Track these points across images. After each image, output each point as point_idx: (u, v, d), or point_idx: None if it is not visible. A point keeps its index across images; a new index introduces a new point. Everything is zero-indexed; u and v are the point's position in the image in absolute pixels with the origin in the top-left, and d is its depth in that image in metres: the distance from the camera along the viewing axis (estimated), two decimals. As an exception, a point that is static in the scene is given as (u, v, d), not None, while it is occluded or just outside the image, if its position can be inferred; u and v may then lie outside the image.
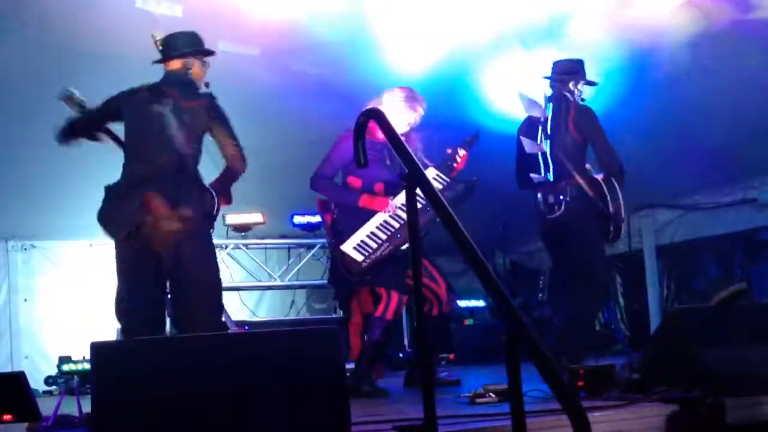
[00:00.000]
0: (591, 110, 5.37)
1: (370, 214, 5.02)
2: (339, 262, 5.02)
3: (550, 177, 5.33)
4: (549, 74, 5.47)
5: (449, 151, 5.14)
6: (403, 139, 4.90)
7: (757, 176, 7.75)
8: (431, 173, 5.03)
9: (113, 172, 4.56)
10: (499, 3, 5.95)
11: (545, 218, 5.35)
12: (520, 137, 5.45)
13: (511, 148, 5.60)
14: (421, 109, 5.11)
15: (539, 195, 5.37)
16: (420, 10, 5.91)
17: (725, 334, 3.69)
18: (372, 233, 4.97)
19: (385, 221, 4.99)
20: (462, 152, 5.12)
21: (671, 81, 6.38)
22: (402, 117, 5.05)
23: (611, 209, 5.15)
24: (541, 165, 5.37)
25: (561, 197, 5.24)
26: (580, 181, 5.18)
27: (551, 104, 5.41)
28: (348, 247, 4.96)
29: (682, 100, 6.52)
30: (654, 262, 8.96)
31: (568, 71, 5.43)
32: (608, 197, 5.16)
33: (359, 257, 4.93)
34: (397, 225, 4.95)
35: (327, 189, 5.17)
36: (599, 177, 5.26)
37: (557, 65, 5.49)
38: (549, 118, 5.37)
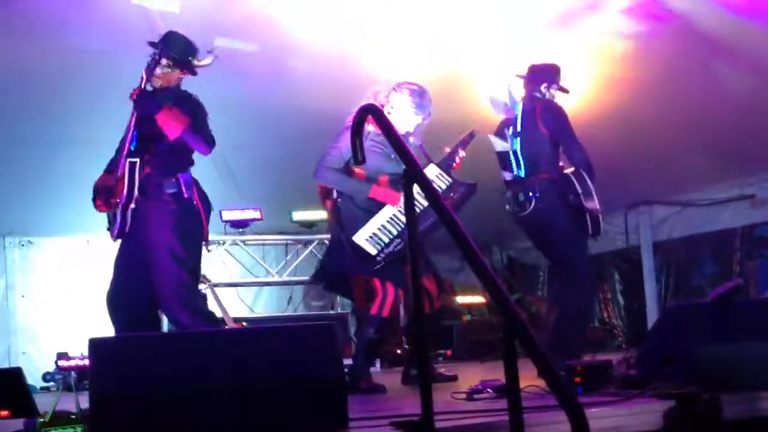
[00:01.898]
0: (558, 107, 5.43)
1: (374, 205, 4.96)
2: (352, 252, 4.92)
3: (522, 174, 5.37)
4: (523, 75, 5.55)
5: (447, 150, 5.12)
6: (402, 135, 5.02)
7: (754, 173, 7.76)
8: (433, 171, 5.02)
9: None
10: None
11: (518, 216, 5.41)
12: (489, 136, 5.54)
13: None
14: (429, 110, 5.11)
15: (509, 193, 5.44)
16: (419, 8, 5.91)
17: (722, 330, 3.69)
18: (383, 226, 4.91)
19: (395, 215, 4.93)
20: (462, 153, 5.13)
21: (667, 78, 6.39)
22: (410, 119, 5.07)
23: (583, 201, 5.16)
24: (513, 163, 5.43)
25: (530, 194, 5.27)
26: (546, 175, 5.24)
27: (520, 104, 5.48)
28: (360, 238, 4.89)
29: (678, 97, 6.53)
30: (651, 259, 8.97)
31: (541, 74, 5.51)
32: (578, 190, 5.17)
33: (373, 250, 4.87)
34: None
35: (333, 180, 5.03)
36: (568, 170, 5.30)
37: (532, 67, 5.55)
38: (519, 116, 5.44)
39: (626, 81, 6.49)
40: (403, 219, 4.89)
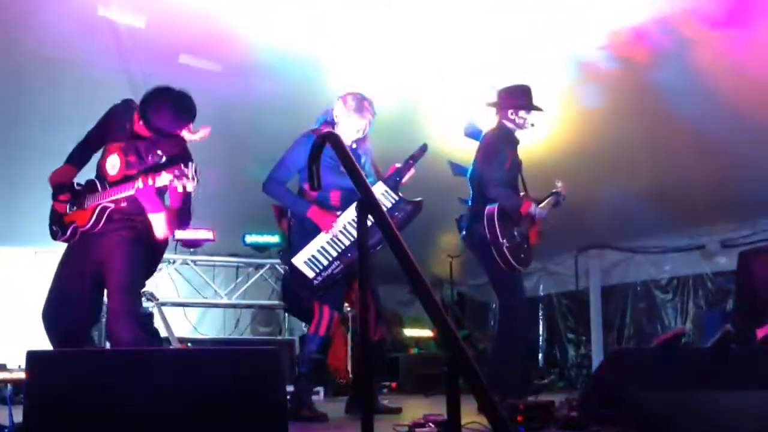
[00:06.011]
0: (489, 137, 5.44)
1: (317, 225, 4.92)
2: (291, 274, 4.94)
3: (469, 203, 5.50)
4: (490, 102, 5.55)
5: (397, 166, 5.07)
6: (356, 148, 5.03)
7: (704, 225, 7.90)
8: (380, 188, 4.97)
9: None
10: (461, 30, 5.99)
11: None
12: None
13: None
14: (370, 114, 5.07)
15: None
16: (381, 32, 5.94)
17: (663, 377, 3.74)
18: (322, 248, 4.88)
19: (336, 236, 4.90)
20: (411, 170, 5.06)
21: (621, 131, 6.48)
22: (352, 124, 5.02)
23: (488, 236, 5.20)
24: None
25: (463, 225, 5.48)
26: (475, 208, 5.35)
27: (484, 132, 5.55)
28: (299, 261, 4.87)
29: (633, 146, 6.64)
30: (599, 302, 9.06)
31: (506, 99, 5.47)
32: (484, 224, 5.23)
33: (310, 273, 4.85)
34: (347, 242, 4.87)
35: (278, 194, 5.03)
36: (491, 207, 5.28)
37: (499, 93, 5.52)
38: (478, 149, 5.50)
39: (585, 123, 6.58)
40: (344, 240, 4.89)
